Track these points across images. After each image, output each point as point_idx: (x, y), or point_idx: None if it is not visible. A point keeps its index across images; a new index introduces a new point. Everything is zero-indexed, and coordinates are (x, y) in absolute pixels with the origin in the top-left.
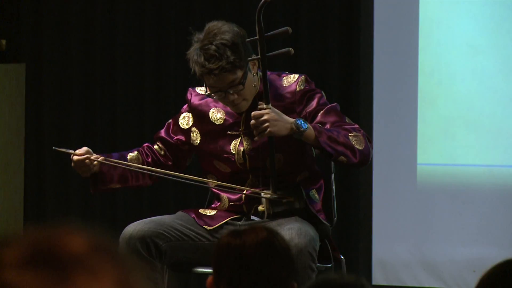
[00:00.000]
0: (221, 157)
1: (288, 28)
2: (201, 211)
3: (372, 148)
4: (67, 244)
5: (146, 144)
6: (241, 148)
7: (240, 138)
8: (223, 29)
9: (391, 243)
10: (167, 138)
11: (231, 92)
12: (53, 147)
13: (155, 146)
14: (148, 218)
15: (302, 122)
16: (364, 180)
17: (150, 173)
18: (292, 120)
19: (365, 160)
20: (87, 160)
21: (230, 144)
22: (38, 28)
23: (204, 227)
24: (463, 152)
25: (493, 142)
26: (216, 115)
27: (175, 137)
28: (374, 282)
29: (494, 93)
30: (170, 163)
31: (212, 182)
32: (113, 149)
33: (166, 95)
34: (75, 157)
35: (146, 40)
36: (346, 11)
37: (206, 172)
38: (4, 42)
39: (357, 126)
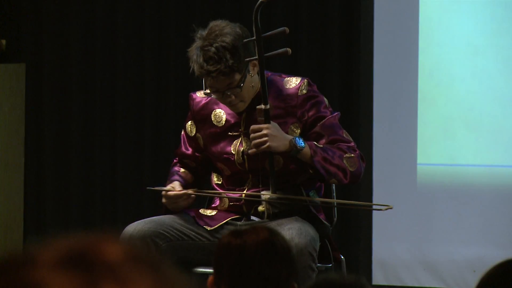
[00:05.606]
0: (221, 158)
1: (286, 28)
2: (201, 211)
3: (363, 168)
4: (102, 251)
5: (176, 167)
6: (241, 148)
7: (240, 139)
8: (225, 31)
9: (391, 243)
10: (186, 152)
11: (228, 93)
12: (147, 187)
13: (183, 165)
14: (148, 218)
15: (300, 141)
16: (364, 180)
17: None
18: (290, 137)
19: (354, 181)
20: (184, 197)
21: (231, 144)
22: (38, 28)
23: (204, 227)
24: (463, 152)
25: (493, 142)
26: (218, 116)
27: (191, 149)
28: (374, 282)
29: (494, 93)
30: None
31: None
32: (112, 149)
33: (166, 95)
34: (172, 193)
35: (146, 40)
36: (346, 11)
37: (214, 171)
38: (4, 42)
39: (353, 144)
